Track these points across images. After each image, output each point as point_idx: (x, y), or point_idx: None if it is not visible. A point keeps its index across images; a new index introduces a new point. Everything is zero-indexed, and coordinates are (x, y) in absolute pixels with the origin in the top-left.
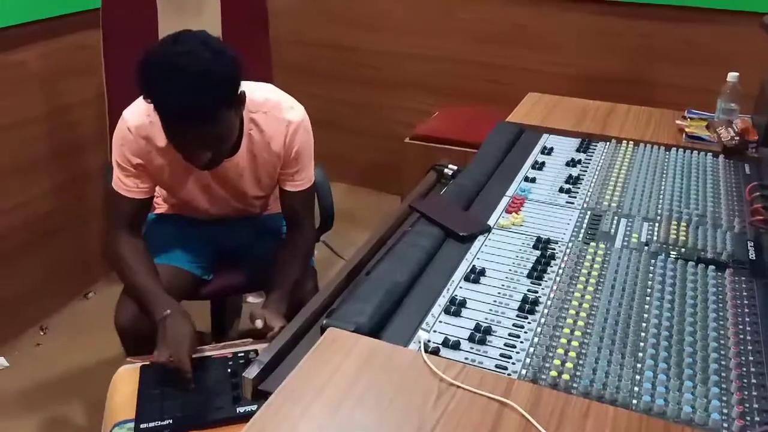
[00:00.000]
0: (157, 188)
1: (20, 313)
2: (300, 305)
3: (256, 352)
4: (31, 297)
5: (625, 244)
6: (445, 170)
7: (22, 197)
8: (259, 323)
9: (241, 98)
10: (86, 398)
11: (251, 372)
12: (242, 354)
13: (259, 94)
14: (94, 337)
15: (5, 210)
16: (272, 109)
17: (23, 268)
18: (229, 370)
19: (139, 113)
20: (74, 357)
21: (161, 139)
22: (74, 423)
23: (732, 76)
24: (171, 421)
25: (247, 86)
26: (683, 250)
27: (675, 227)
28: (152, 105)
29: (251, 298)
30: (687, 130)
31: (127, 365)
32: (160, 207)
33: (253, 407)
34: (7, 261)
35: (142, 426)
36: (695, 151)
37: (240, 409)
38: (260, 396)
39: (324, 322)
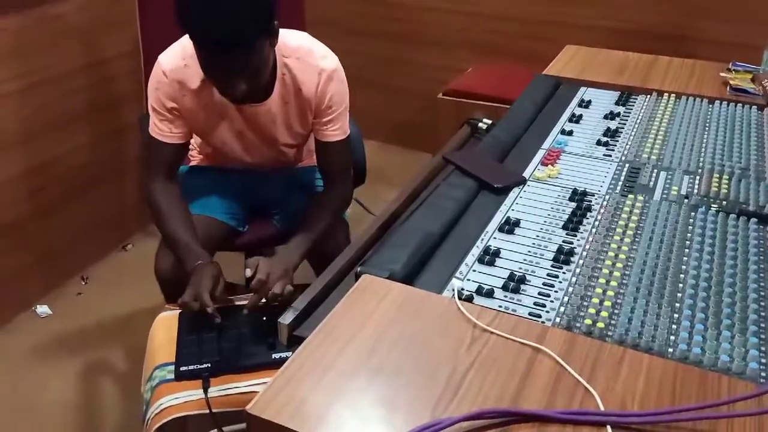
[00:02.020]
0: (192, 140)
1: (62, 263)
2: (331, 257)
3: (290, 301)
4: (72, 248)
5: (665, 196)
6: (480, 124)
7: (62, 150)
8: (247, 272)
9: (276, 30)
10: (126, 344)
11: (287, 318)
12: (276, 303)
13: (294, 40)
14: (133, 287)
15: (46, 163)
16: (305, 55)
17: (64, 219)
18: (264, 318)
19: (174, 57)
20: (114, 305)
21: (195, 83)
22: (115, 367)
23: None
24: (209, 365)
25: (281, 31)
26: (724, 203)
27: (717, 180)
28: (187, 45)
29: None
30: (731, 82)
31: (166, 312)
32: (195, 159)
33: (288, 353)
34: (48, 213)
35: (181, 368)
36: (739, 104)
37: (275, 355)
38: (295, 342)
39: (358, 269)
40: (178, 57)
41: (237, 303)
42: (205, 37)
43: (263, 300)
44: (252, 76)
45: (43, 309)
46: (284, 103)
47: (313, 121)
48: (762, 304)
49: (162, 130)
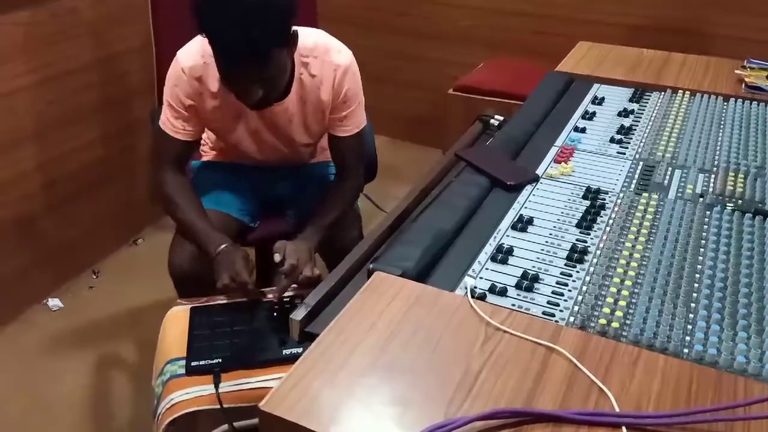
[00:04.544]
0: (205, 135)
1: (73, 257)
2: (344, 252)
3: (301, 297)
4: (83, 242)
5: (679, 195)
6: (491, 121)
7: (74, 145)
8: (276, 257)
9: (294, 38)
10: (137, 339)
11: (298, 314)
12: (287, 299)
13: (310, 39)
14: (144, 281)
15: (58, 157)
16: (322, 53)
17: (75, 214)
18: (275, 314)
19: (193, 54)
20: (125, 299)
21: (214, 82)
22: (127, 361)
23: None
24: (220, 360)
25: (299, 30)
26: (740, 201)
27: (732, 179)
28: (207, 42)
29: None
30: (747, 80)
31: (178, 306)
32: (207, 154)
33: (299, 349)
34: (60, 207)
35: (192, 363)
36: (755, 102)
37: (286, 351)
38: (306, 338)
39: (371, 266)
40: (198, 54)
41: (250, 298)
42: (223, 46)
43: (293, 284)
44: (269, 84)
45: (54, 302)
46: (302, 102)
47: (330, 116)
48: None
49: (175, 126)
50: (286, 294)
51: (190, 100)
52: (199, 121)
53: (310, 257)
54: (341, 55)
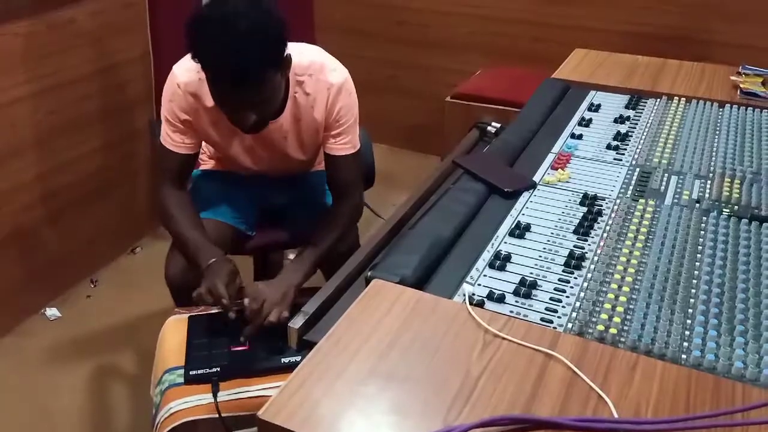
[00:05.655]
0: (204, 144)
1: (71, 266)
2: (342, 260)
3: (300, 305)
4: (81, 251)
5: (676, 201)
6: (488, 128)
7: (74, 154)
8: (246, 301)
9: (287, 61)
10: (136, 347)
11: (297, 322)
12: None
13: (305, 57)
14: (142, 290)
15: (58, 167)
16: (317, 72)
17: (74, 223)
18: None
19: (189, 69)
20: (123, 308)
21: (208, 98)
22: (125, 370)
23: None
24: (218, 369)
25: (293, 48)
26: (736, 207)
27: (728, 184)
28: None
29: (292, 256)
30: (742, 86)
31: (176, 315)
32: (206, 163)
33: (297, 358)
34: (59, 216)
35: (191, 372)
36: (750, 108)
37: (284, 360)
38: (304, 346)
39: (369, 274)
40: (193, 70)
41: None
42: (216, 71)
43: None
44: (262, 109)
45: (52, 312)
46: (296, 120)
47: (324, 134)
48: None
49: (174, 140)
50: None
51: (185, 115)
52: (196, 134)
53: (283, 298)
54: (336, 73)
